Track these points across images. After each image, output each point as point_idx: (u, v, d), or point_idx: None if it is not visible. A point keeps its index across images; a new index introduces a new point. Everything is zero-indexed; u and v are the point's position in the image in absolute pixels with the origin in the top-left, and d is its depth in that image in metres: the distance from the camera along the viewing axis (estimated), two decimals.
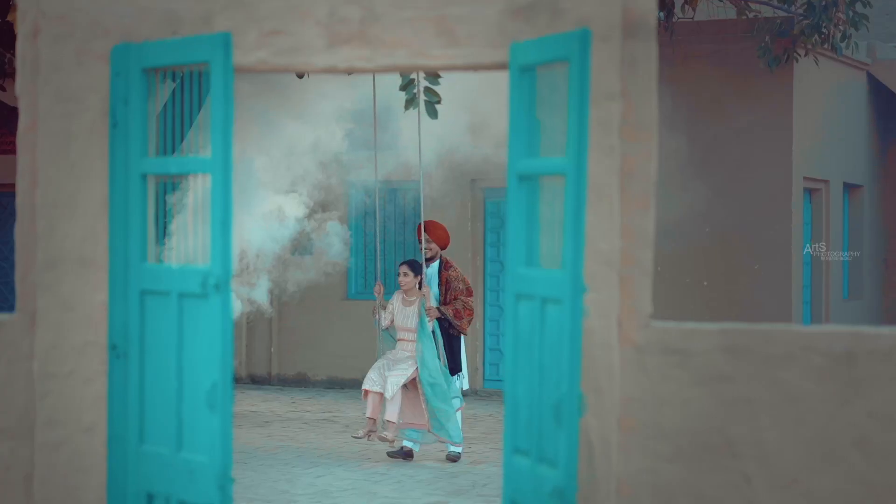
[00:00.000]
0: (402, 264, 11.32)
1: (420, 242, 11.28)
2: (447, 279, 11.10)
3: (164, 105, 6.50)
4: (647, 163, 5.77)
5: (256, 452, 11.64)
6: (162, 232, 6.27)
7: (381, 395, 10.79)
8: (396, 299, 11.15)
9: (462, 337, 11.17)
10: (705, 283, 15.84)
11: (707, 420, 5.68)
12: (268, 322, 16.50)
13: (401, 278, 11.17)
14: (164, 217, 6.23)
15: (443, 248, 11.28)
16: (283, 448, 11.90)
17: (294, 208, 11.76)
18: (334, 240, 12.38)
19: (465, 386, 11.27)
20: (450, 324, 11.00)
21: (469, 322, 11.09)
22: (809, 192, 16.87)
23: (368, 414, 10.93)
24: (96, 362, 6.13)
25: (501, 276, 15.82)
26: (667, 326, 5.77)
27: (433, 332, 10.85)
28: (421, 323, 10.82)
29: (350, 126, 12.05)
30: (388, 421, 10.77)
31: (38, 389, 6.15)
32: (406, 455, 11.17)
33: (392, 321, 11.11)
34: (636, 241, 5.75)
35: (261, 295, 11.99)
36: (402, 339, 11.06)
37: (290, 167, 11.81)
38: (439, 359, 10.81)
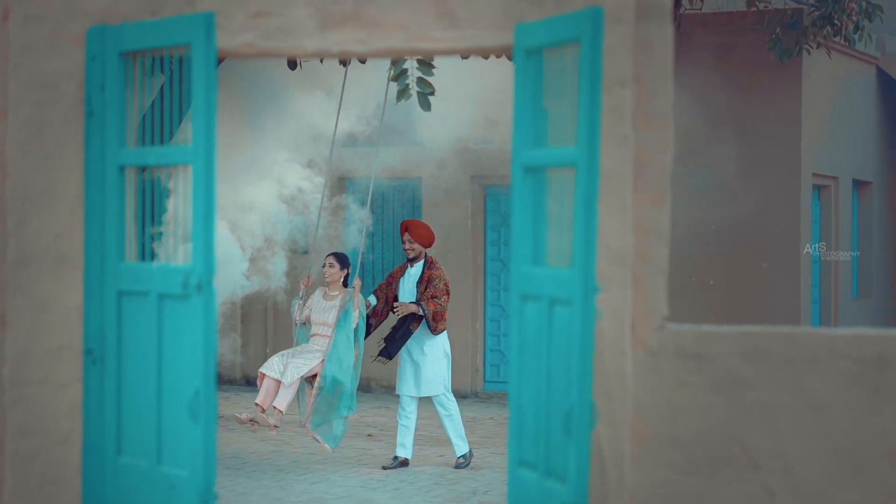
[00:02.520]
0: (328, 255, 10.91)
1: (403, 242, 10.96)
2: (429, 277, 10.78)
3: (157, 96, 6.13)
4: (662, 153, 5.41)
5: (249, 458, 11.30)
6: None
7: (278, 383, 10.37)
8: (318, 293, 10.76)
9: (443, 338, 10.83)
10: (711, 283, 15.51)
11: (726, 429, 5.35)
12: (263, 321, 16.17)
13: (325, 269, 10.74)
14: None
15: (426, 247, 10.96)
16: (277, 453, 11.55)
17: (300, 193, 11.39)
18: (352, 229, 12.01)
19: (448, 390, 10.88)
20: (414, 320, 10.68)
21: (442, 325, 10.80)
22: (818, 188, 16.53)
23: (258, 400, 10.48)
24: (72, 368, 5.79)
25: (503, 274, 15.47)
26: (682, 329, 5.42)
27: (356, 329, 10.46)
28: (342, 318, 10.41)
29: (353, 118, 11.66)
30: (275, 407, 10.34)
31: (8, 397, 5.81)
32: (401, 464, 10.82)
33: (308, 317, 10.72)
34: (650, 237, 5.40)
35: (277, 278, 11.62)
36: (317, 335, 10.62)
37: (291, 156, 11.44)
38: (354, 359, 10.43)
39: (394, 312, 10.74)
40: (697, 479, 5.37)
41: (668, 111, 5.40)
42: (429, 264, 10.85)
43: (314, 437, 10.43)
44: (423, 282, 10.75)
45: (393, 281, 10.91)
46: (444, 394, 10.81)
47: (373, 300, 10.87)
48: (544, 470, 5.37)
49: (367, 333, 10.80)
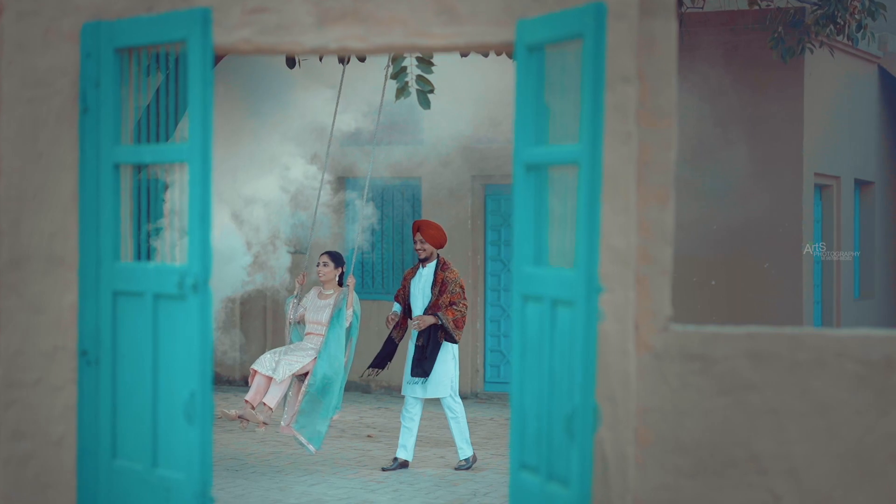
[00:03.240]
0: (322, 254, 10.84)
1: (414, 242, 10.81)
2: (443, 280, 10.59)
3: (154, 95, 6.03)
4: (666, 151, 5.31)
5: (248, 459, 11.21)
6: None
7: (269, 379, 10.30)
8: (313, 293, 10.69)
9: (454, 346, 10.67)
10: (712, 283, 15.41)
11: (731, 432, 5.26)
12: (262, 320, 16.07)
13: (320, 268, 10.67)
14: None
15: (438, 247, 10.77)
16: (276, 454, 11.46)
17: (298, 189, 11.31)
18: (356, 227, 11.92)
19: (456, 393, 10.74)
20: (440, 330, 10.49)
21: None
22: (820, 188, 16.43)
23: (248, 397, 10.39)
24: (66, 369, 5.69)
25: (503, 274, 15.37)
26: (687, 330, 5.33)
27: (349, 328, 10.35)
28: (336, 316, 10.32)
29: (354, 117, 11.57)
30: (264, 404, 10.26)
31: (2, 399, 5.71)
32: (401, 465, 10.71)
33: (303, 316, 10.63)
34: (654, 237, 5.31)
35: (279, 275, 11.53)
36: (311, 333, 10.55)
37: (284, 159, 11.34)
38: (346, 359, 10.33)
39: (411, 322, 10.57)
40: (702, 482, 5.28)
41: (672, 109, 5.31)
42: (441, 265, 10.67)
43: (296, 438, 10.34)
44: (437, 284, 10.57)
45: (406, 284, 10.75)
46: (450, 396, 10.67)
47: (397, 308, 10.73)
48: (546, 473, 5.27)
49: (392, 351, 10.68)
